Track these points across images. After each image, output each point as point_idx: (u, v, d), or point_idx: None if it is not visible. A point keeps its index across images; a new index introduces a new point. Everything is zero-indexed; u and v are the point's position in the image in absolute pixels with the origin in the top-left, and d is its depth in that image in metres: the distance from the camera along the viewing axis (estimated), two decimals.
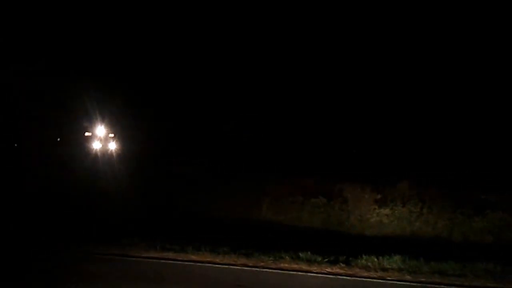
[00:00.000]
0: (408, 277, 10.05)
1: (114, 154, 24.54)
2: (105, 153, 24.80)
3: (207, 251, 11.36)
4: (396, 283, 9.69)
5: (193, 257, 11.03)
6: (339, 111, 21.69)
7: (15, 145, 24.44)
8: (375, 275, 10.15)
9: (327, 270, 10.46)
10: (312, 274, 10.13)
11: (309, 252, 11.38)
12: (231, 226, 15.31)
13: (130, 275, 9.42)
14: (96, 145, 24.92)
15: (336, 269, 10.50)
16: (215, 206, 16.56)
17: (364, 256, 11.08)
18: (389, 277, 10.04)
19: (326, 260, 11.06)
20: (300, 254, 11.31)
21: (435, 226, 14.17)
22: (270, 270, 10.37)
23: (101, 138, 25.89)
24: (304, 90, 22.60)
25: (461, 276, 10.23)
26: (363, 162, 17.57)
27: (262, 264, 10.77)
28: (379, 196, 15.33)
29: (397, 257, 10.95)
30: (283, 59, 22.65)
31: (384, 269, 10.50)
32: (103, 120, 25.60)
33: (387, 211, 14.94)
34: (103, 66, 25.24)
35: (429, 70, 19.92)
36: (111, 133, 26.14)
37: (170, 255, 11.19)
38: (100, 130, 26.27)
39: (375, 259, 10.93)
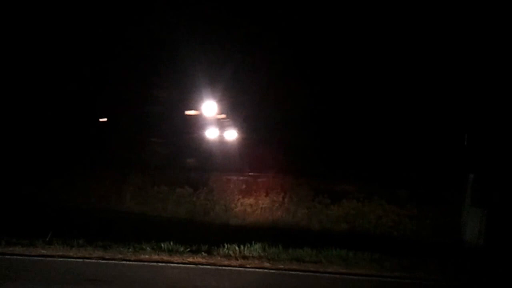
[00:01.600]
0: (267, 264, 10.32)
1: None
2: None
3: (59, 244, 10.60)
4: (255, 271, 9.90)
5: (44, 252, 10.21)
6: None
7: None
8: (235, 263, 10.27)
9: (188, 260, 10.37)
10: (173, 265, 9.95)
11: (171, 242, 11.21)
12: (89, 217, 14.54)
13: None
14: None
15: (197, 259, 10.45)
16: (71, 196, 15.60)
17: (226, 245, 11.19)
18: (249, 264, 10.23)
19: (188, 250, 10.96)
20: (162, 245, 11.08)
21: (295, 215, 14.79)
22: (129, 262, 9.99)
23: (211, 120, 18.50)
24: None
25: (316, 262, 10.76)
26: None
27: (120, 256, 10.34)
28: (244, 186, 15.61)
29: (257, 245, 11.22)
30: None
31: (244, 257, 10.67)
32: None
33: (250, 200, 15.28)
34: None
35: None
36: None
37: (17, 250, 10.25)
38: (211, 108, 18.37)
39: (237, 248, 11.09)
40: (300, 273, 9.99)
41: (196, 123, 18.74)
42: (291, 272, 10.00)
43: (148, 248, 10.95)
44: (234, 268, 9.98)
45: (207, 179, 16.66)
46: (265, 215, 14.90)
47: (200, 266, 9.96)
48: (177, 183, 17.10)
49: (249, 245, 11.21)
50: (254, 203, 15.21)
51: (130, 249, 10.73)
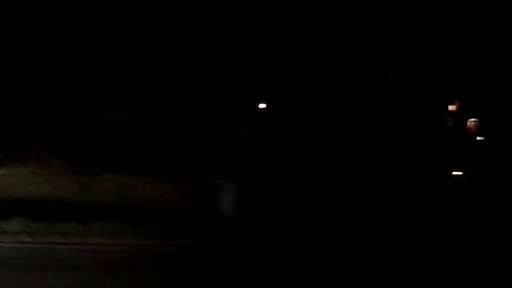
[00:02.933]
0: (28, 239, 10.31)
1: None
2: None
3: None
4: (14, 246, 9.84)
5: None
6: None
7: None
8: None
9: None
10: None
11: None
12: None
13: None
14: None
15: None
16: None
17: None
18: (8, 240, 10.09)
19: None
20: None
21: (64, 189, 14.60)
22: None
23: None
24: None
25: (80, 235, 11.10)
26: None
27: None
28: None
29: (17, 220, 11.03)
30: None
31: (3, 232, 10.45)
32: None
33: (5, 171, 14.47)
34: None
35: None
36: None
37: None
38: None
39: None
40: (62, 246, 10.26)
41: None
42: (53, 246, 10.20)
43: None
44: None
45: None
46: (27, 188, 14.34)
47: None
48: None
49: (7, 220, 10.95)
50: (11, 174, 14.44)
51: None
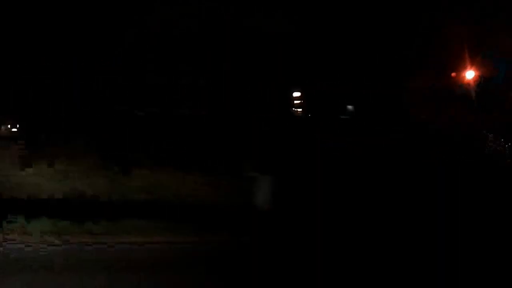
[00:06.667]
0: (55, 240, 10.06)
1: None
2: None
3: None
4: (41, 247, 9.60)
5: None
6: None
7: None
8: (19, 239, 9.81)
9: None
10: None
11: None
12: None
13: None
14: None
15: None
16: None
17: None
18: (35, 241, 9.85)
19: None
20: None
21: (93, 186, 14.31)
22: None
23: None
24: None
25: (110, 234, 10.78)
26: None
27: None
28: (25, 153, 14.54)
29: (45, 219, 10.79)
30: None
31: (29, 233, 10.22)
32: None
33: (32, 170, 14.29)
34: None
35: None
36: None
37: None
38: None
39: (23, 222, 10.52)
40: (92, 246, 9.96)
41: None
42: (82, 246, 9.92)
43: None
44: (17, 245, 9.53)
45: None
46: (55, 186, 14.11)
47: None
48: None
49: (35, 220, 10.71)
50: (37, 173, 14.25)
51: None
